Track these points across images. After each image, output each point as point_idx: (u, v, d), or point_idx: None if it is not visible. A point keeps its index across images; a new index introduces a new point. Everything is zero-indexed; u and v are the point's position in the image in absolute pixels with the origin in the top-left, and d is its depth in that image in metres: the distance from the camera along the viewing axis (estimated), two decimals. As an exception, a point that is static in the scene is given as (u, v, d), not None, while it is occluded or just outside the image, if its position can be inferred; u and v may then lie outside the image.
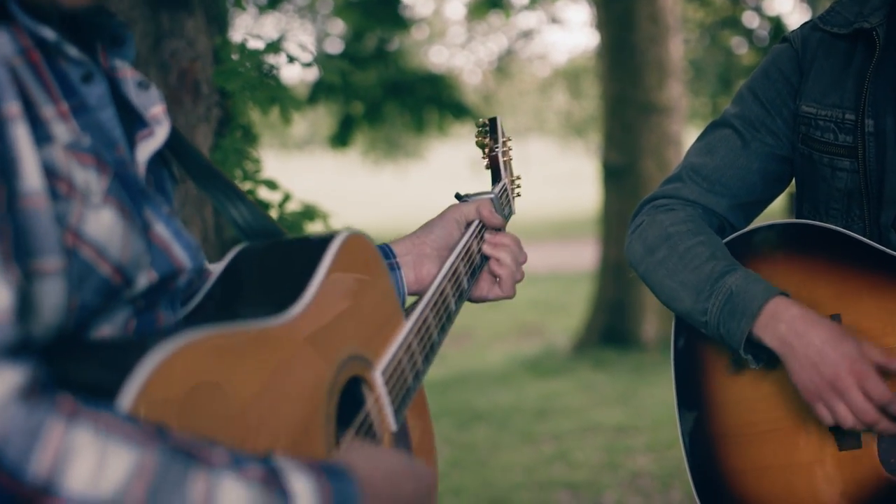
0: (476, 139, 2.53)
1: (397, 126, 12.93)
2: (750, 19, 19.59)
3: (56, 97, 1.49)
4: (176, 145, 1.79)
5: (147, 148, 1.66)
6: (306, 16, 24.87)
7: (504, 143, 2.54)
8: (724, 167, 2.60)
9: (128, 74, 1.70)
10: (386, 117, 11.14)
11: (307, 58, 4.00)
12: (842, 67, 2.52)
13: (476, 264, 2.25)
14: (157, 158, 1.72)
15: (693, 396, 2.59)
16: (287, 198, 4.26)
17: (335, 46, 14.60)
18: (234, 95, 3.83)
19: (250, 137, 4.11)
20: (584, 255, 18.81)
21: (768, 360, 2.40)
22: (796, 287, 2.44)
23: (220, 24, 3.98)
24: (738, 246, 2.56)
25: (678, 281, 2.48)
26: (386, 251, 2.18)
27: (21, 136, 1.36)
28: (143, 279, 1.56)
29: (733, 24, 19.28)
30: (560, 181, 43.86)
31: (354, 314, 1.79)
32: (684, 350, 2.62)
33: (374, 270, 1.90)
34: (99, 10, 1.67)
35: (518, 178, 2.56)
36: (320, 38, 23.23)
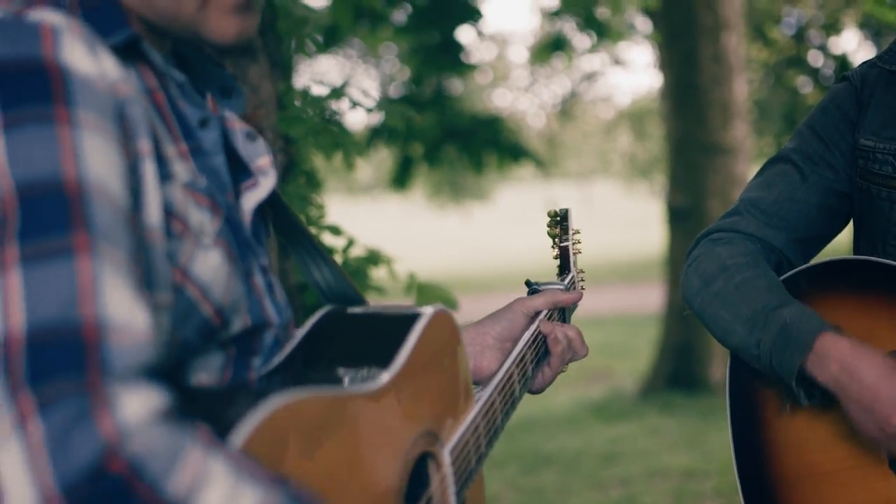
0: (547, 229, 2.53)
1: (456, 167, 12.99)
2: (815, 58, 19.49)
3: (177, 137, 1.54)
4: (269, 199, 1.81)
5: (253, 197, 1.70)
6: (370, 61, 25.13)
7: (573, 234, 2.54)
8: (783, 200, 2.58)
9: (236, 125, 1.74)
10: (444, 159, 11.19)
11: (370, 103, 4.02)
12: None
13: (541, 353, 2.24)
14: (257, 211, 1.74)
15: (749, 439, 2.55)
16: (351, 243, 4.27)
17: (400, 91, 14.73)
18: (298, 141, 3.86)
19: (314, 183, 4.14)
20: (651, 298, 18.68)
21: (821, 398, 2.35)
22: (855, 324, 2.41)
23: (283, 70, 4.01)
24: (796, 283, 2.52)
25: (732, 312, 2.45)
26: None
27: (149, 172, 1.42)
28: (239, 323, 1.60)
29: (798, 63, 19.19)
30: (625, 223, 43.72)
31: (432, 390, 1.79)
32: (739, 392, 2.58)
33: (454, 348, 1.89)
34: (210, 60, 1.73)
35: (582, 271, 2.55)
36: (384, 83, 23.45)
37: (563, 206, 2.59)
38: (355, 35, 11.04)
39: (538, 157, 11.69)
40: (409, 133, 10.27)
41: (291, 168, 3.93)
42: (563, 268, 2.50)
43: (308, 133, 3.77)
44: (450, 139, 10.74)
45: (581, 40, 15.14)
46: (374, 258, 4.30)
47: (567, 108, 34.33)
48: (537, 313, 2.27)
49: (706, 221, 11.37)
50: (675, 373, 12.00)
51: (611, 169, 47.97)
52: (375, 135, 10.16)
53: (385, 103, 5.90)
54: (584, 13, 12.90)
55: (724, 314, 2.47)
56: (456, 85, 14.94)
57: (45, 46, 1.31)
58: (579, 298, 2.39)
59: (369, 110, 4.08)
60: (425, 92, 11.46)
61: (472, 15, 9.92)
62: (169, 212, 1.46)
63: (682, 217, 11.93)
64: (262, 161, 1.73)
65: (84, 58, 1.34)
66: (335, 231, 4.11)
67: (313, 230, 4.02)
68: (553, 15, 13.77)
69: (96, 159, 1.29)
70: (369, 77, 26.66)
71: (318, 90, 3.91)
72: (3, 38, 1.31)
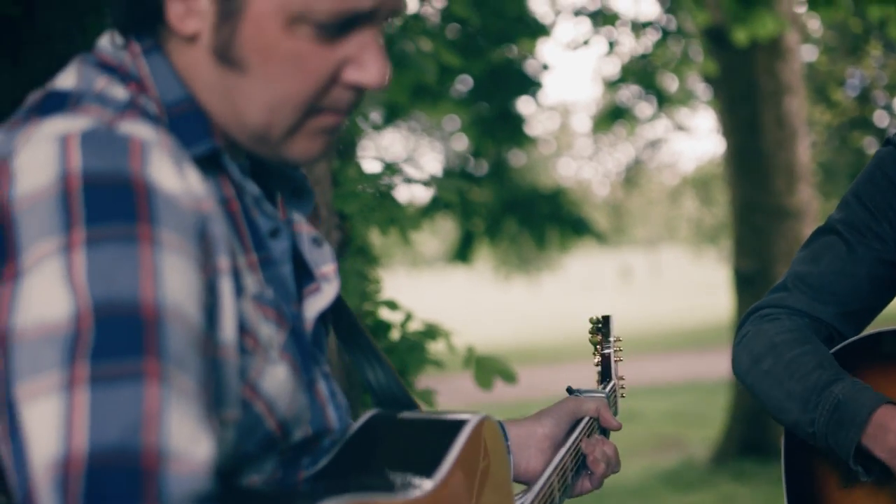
0: (589, 337, 2.53)
1: (518, 242, 12.99)
2: (881, 118, 19.36)
3: (248, 248, 1.53)
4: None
5: (316, 305, 1.67)
6: (435, 133, 25.31)
7: (615, 342, 2.52)
8: (830, 274, 2.54)
9: (303, 229, 1.71)
10: (506, 233, 11.19)
11: (424, 178, 4.04)
12: None
13: (580, 462, 2.21)
14: (319, 316, 1.71)
15: None
16: (409, 317, 4.28)
17: (461, 164, 14.85)
18: (353, 217, 3.88)
19: (370, 258, 4.16)
20: (721, 364, 18.42)
21: (880, 472, 2.30)
22: None
23: (338, 148, 4.04)
24: (848, 355, 2.47)
25: (784, 391, 2.41)
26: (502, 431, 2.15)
27: (226, 289, 1.40)
28: (299, 434, 1.59)
29: (863, 124, 19.06)
30: (693, 289, 43.39)
31: (475, 498, 1.77)
32: (795, 465, 2.53)
33: (497, 455, 1.87)
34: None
35: (622, 378, 2.53)
36: (449, 156, 23.60)
37: (605, 313, 2.57)
38: (416, 109, 11.11)
39: (600, 231, 11.67)
40: (467, 206, 10.28)
41: (347, 244, 3.95)
42: (605, 375, 2.48)
43: (363, 209, 3.79)
44: (510, 212, 10.75)
45: (643, 108, 15.17)
46: (431, 332, 4.29)
47: (631, 176, 34.31)
48: (580, 420, 2.23)
49: (773, 286, 11.26)
50: (748, 439, 11.84)
51: (677, 235, 47.79)
52: (431, 208, 10.20)
53: (436, 179, 5.92)
54: (644, 81, 12.94)
55: (776, 393, 2.43)
56: (519, 156, 14.97)
57: (133, 162, 1.30)
58: (619, 429, 2.33)
59: (426, 184, 4.10)
60: (485, 164, 11.51)
61: (531, 86, 9.96)
62: (242, 327, 1.45)
63: (749, 282, 11.84)
64: (327, 268, 1.70)
65: (170, 174, 1.33)
66: (392, 306, 4.13)
67: (369, 306, 4.03)
68: (614, 84, 13.82)
69: (175, 282, 1.28)
70: (434, 150, 26.85)
71: (373, 167, 3.94)
72: (93, 151, 1.30)
